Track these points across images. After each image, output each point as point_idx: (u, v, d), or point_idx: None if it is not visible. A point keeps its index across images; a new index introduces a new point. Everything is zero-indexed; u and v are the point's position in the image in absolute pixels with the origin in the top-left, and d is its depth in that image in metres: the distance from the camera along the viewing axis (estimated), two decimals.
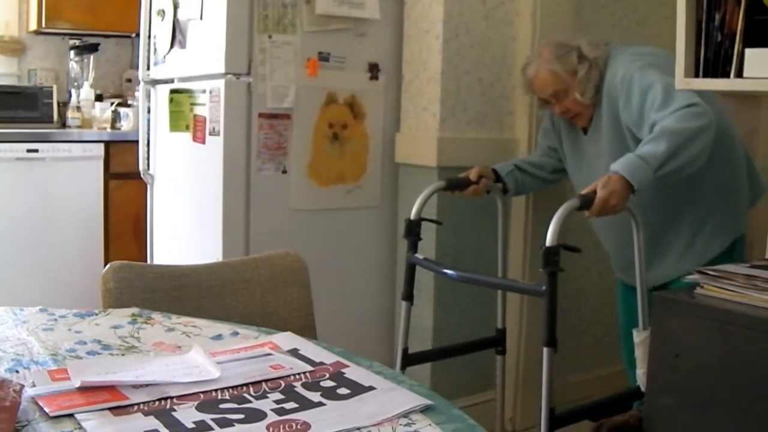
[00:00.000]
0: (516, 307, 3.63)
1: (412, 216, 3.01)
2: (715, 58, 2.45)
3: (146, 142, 4.28)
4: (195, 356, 1.58)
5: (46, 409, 1.30)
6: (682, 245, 2.94)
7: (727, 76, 2.42)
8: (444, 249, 3.50)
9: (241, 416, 1.31)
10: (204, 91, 3.51)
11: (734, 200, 2.97)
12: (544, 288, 2.57)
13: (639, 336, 2.70)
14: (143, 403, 1.35)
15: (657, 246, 2.96)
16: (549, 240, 2.54)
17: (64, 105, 5.40)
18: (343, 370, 1.55)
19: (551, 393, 2.57)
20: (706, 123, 2.61)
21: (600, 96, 2.95)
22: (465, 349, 3.34)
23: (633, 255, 2.82)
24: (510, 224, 3.59)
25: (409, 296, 3.04)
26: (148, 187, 4.30)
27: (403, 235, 3.05)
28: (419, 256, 2.97)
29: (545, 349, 2.58)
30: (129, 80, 5.75)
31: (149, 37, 4.12)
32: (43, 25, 5.26)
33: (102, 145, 4.95)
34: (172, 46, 3.83)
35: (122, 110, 5.31)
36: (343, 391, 1.44)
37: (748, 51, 2.36)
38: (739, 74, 2.38)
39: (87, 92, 5.45)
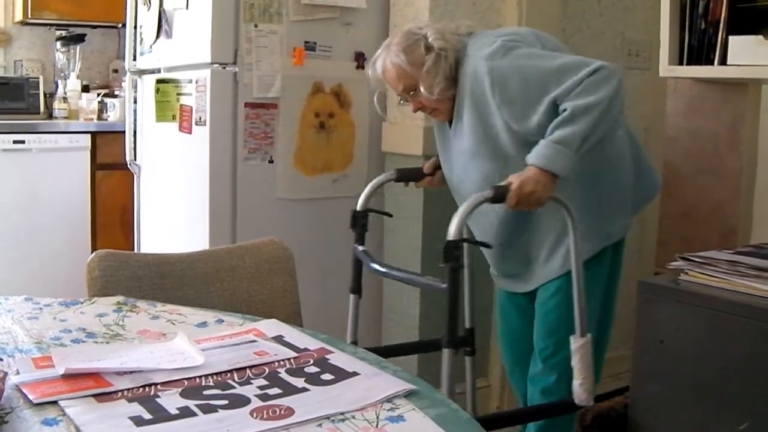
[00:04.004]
0: None
1: (358, 207, 2.88)
2: (699, 46, 2.46)
3: (133, 132, 4.27)
4: (179, 343, 1.59)
5: (30, 397, 1.30)
6: (547, 252, 2.67)
7: (711, 63, 2.44)
8: (430, 240, 3.51)
9: (225, 402, 1.32)
10: (190, 81, 3.51)
11: (608, 205, 2.68)
12: (444, 285, 2.42)
13: (576, 342, 2.52)
14: (127, 389, 1.35)
15: (526, 252, 2.73)
16: (451, 233, 2.38)
17: (50, 96, 5.37)
18: (327, 356, 1.55)
19: (451, 395, 2.41)
20: (615, 85, 2.40)
21: (459, 89, 2.64)
22: (428, 347, 3.19)
23: (513, 266, 2.77)
24: None
25: (356, 289, 2.91)
26: (135, 177, 4.29)
27: (349, 226, 2.90)
28: (360, 247, 2.86)
29: (445, 351, 2.43)
30: (115, 71, 5.74)
31: (135, 27, 4.11)
32: (29, 15, 5.23)
33: (89, 136, 4.93)
34: (158, 36, 3.82)
35: (109, 101, 5.30)
36: (327, 376, 1.45)
37: (731, 38, 2.37)
38: (723, 62, 2.40)
39: (73, 83, 5.42)
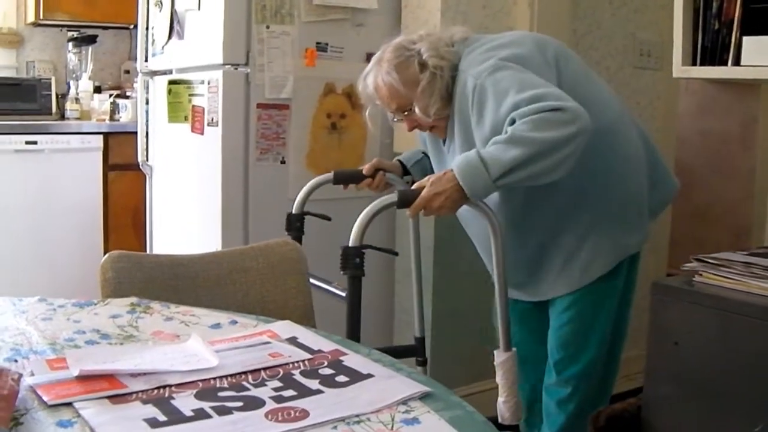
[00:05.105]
0: None
1: (294, 210, 2.82)
2: (712, 46, 2.45)
3: (145, 133, 4.28)
4: (193, 345, 1.58)
5: (45, 398, 1.30)
6: (559, 265, 2.54)
7: (725, 64, 2.42)
8: (443, 239, 3.51)
9: (240, 404, 1.31)
10: (202, 82, 3.51)
11: (623, 214, 2.54)
12: (344, 294, 2.38)
13: (499, 357, 2.44)
14: (142, 391, 1.35)
15: (537, 262, 2.58)
16: (352, 239, 2.32)
17: (62, 97, 5.39)
18: (342, 358, 1.55)
19: None
20: (572, 132, 2.19)
21: (452, 107, 2.49)
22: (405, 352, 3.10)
23: (518, 276, 2.59)
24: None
25: None
26: (147, 178, 4.30)
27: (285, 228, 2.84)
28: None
29: None
30: (127, 72, 5.75)
31: (147, 28, 4.11)
32: (41, 16, 5.24)
33: (101, 137, 4.94)
34: (170, 37, 3.82)
35: (121, 102, 5.31)
36: (341, 378, 1.44)
37: (745, 39, 2.36)
38: (737, 62, 2.38)
39: (85, 84, 5.43)
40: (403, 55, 2.51)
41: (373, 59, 2.60)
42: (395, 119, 2.65)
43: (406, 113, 2.57)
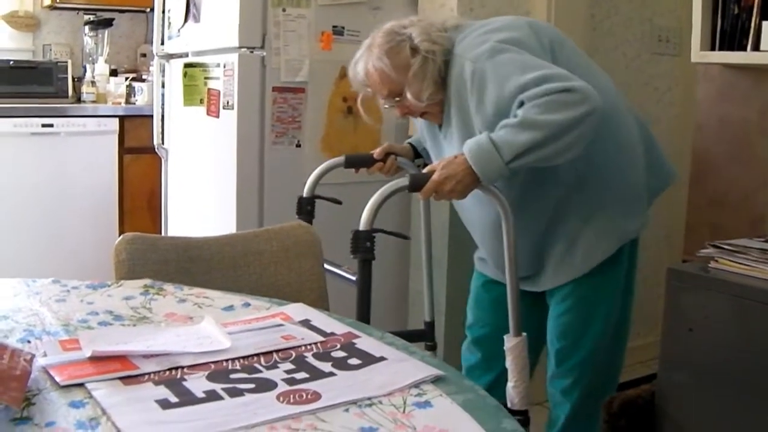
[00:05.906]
0: None
1: (305, 194, 2.81)
2: (731, 31, 2.44)
3: (161, 116, 4.28)
4: (206, 327, 1.58)
5: (57, 379, 1.30)
6: (560, 253, 2.50)
7: (744, 49, 2.41)
8: (458, 223, 3.50)
9: (252, 386, 1.31)
10: (218, 65, 3.51)
11: (623, 199, 2.50)
12: (355, 278, 2.37)
13: (510, 342, 2.39)
14: (154, 372, 1.35)
15: (536, 252, 2.55)
16: (362, 223, 2.30)
17: (78, 80, 5.40)
18: (355, 341, 1.54)
19: None
20: (583, 113, 2.15)
21: (447, 93, 2.44)
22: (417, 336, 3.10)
23: (524, 262, 2.52)
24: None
25: None
26: (163, 161, 4.31)
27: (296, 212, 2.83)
28: None
29: None
30: (143, 55, 5.75)
31: (163, 11, 4.11)
32: (58, 0, 5.25)
33: (117, 120, 4.94)
34: (186, 20, 3.82)
35: (137, 85, 5.31)
36: (354, 361, 1.44)
37: (765, 24, 2.35)
38: (756, 47, 2.37)
39: (102, 67, 5.45)
40: (395, 39, 2.45)
41: (364, 45, 2.54)
42: (386, 105, 2.58)
43: (397, 99, 2.50)
